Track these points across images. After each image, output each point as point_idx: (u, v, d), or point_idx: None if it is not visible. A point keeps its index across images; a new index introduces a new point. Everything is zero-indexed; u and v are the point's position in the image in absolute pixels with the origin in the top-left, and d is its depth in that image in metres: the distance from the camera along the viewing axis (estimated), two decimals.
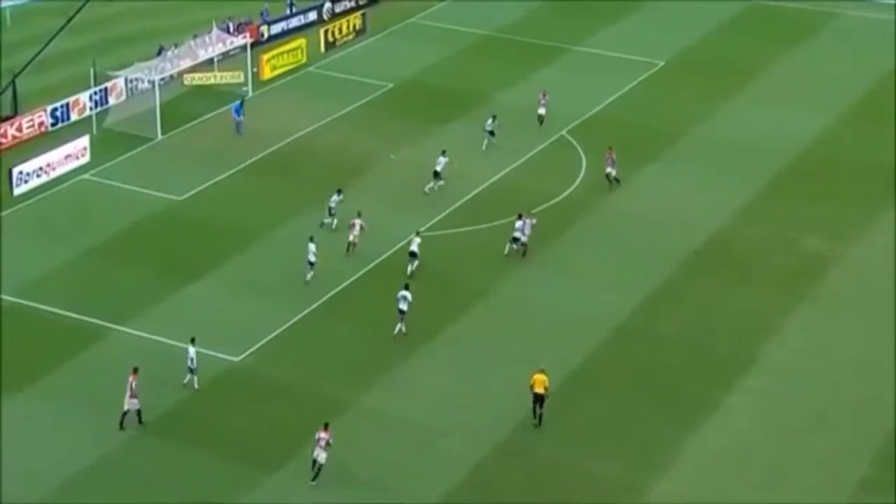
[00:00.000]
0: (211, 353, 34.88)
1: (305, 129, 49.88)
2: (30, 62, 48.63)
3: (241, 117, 49.26)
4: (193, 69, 52.52)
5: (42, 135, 48.57)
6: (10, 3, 60.13)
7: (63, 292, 38.65)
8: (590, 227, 42.94)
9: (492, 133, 47.35)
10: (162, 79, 50.48)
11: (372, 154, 47.54)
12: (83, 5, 46.37)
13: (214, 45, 53.34)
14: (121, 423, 32.50)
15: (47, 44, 48.32)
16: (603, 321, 37.45)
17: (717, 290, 39.30)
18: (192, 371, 33.96)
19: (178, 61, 51.99)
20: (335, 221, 41.72)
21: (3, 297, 38.24)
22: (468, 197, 44.60)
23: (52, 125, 49.29)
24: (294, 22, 59.85)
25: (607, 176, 44.84)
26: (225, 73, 52.87)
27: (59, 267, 40.21)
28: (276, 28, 58.91)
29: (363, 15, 59.96)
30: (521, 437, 32.67)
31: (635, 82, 54.41)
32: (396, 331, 36.29)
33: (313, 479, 30.76)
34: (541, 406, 32.71)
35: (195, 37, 53.70)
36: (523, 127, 48.94)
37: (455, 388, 34.58)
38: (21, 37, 55.39)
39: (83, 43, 54.64)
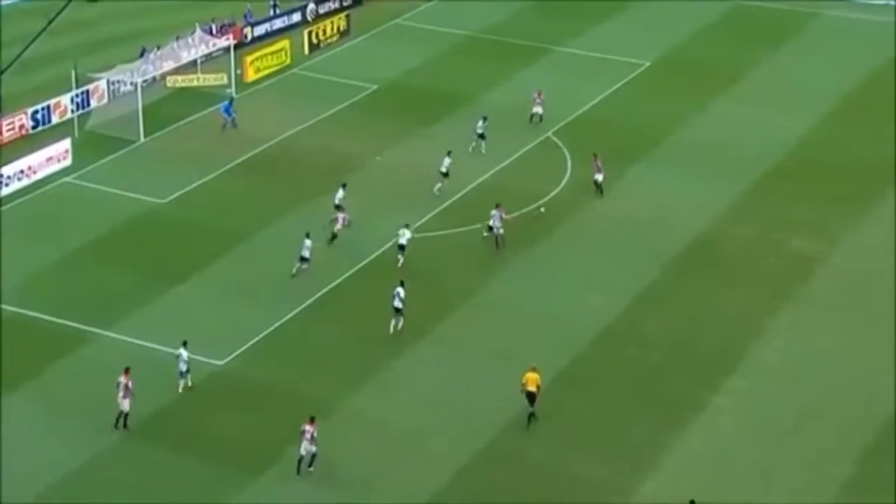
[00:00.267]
0: (195, 356, 34.68)
1: (290, 131, 49.70)
2: (10, 64, 48.21)
3: (232, 115, 49.17)
4: (176, 71, 52.34)
5: (23, 137, 48.22)
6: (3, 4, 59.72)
7: (45, 297, 38.40)
8: (576, 229, 42.90)
9: (482, 136, 47.24)
10: (144, 81, 50.25)
11: (357, 155, 47.38)
12: (65, 6, 46.01)
13: (197, 46, 53.09)
14: (124, 424, 32.28)
15: (28, 45, 47.85)
16: (589, 322, 37.44)
17: (702, 291, 39.31)
18: (182, 375, 33.86)
19: (160, 63, 51.74)
20: (346, 217, 41.83)
21: None
22: (455, 198, 44.48)
23: (33, 128, 48.96)
24: (278, 23, 59.63)
25: (595, 182, 44.71)
26: (208, 76, 52.67)
27: (41, 271, 39.93)
28: (260, 30, 58.68)
29: (347, 16, 59.80)
30: (507, 438, 32.64)
31: (620, 83, 54.39)
32: (392, 328, 36.27)
33: (297, 471, 30.78)
34: (533, 404, 32.79)
35: (178, 38, 53.46)
36: (509, 128, 48.83)
37: (442, 389, 34.52)
38: (1, 38, 54.98)
39: (65, 45, 54.28)
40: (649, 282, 39.65)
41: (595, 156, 45.03)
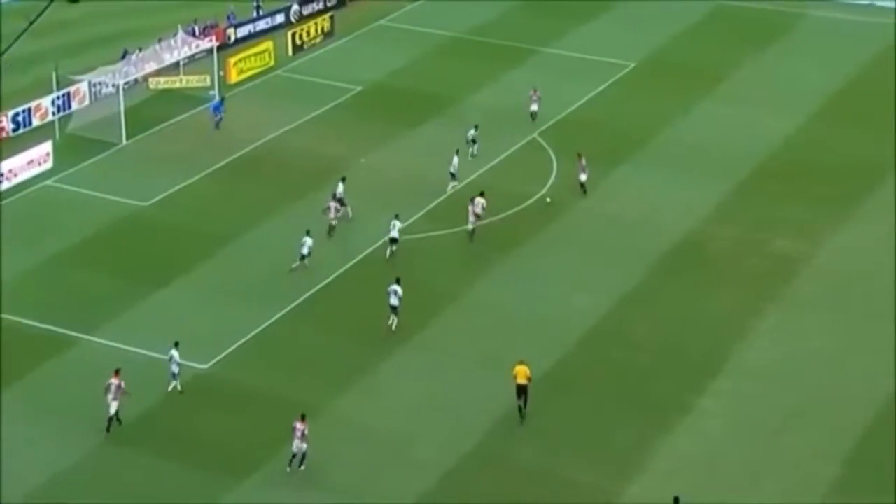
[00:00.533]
0: (172, 363, 34.30)
1: (273, 133, 49.45)
2: None
3: (221, 114, 49.07)
4: (158, 73, 52.03)
5: (2, 140, 47.80)
6: None
7: (27, 302, 38.06)
8: (561, 230, 42.80)
9: (474, 141, 47.08)
10: (126, 83, 49.95)
11: (341, 157, 47.14)
12: (46, 7, 45.65)
13: (180, 48, 52.80)
14: (117, 420, 32.22)
15: (9, 47, 47.47)
16: (575, 324, 37.35)
17: (688, 292, 39.25)
18: (175, 376, 33.73)
19: (142, 65, 51.43)
20: (349, 211, 42.17)
21: None
22: (440, 200, 44.29)
23: (14, 130, 48.55)
24: (261, 25, 59.32)
25: (581, 183, 44.56)
26: (191, 77, 52.38)
27: (22, 276, 39.59)
28: (243, 31, 58.38)
29: (331, 17, 59.53)
30: (494, 441, 32.54)
31: (606, 84, 54.30)
32: (390, 324, 36.28)
33: (289, 466, 30.90)
34: (524, 397, 32.85)
35: (160, 40, 53.13)
36: (494, 129, 48.64)
37: (427, 392, 34.41)
38: None
39: (45, 46, 53.90)
40: (635, 283, 39.59)
41: (579, 156, 44.94)
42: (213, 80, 52.39)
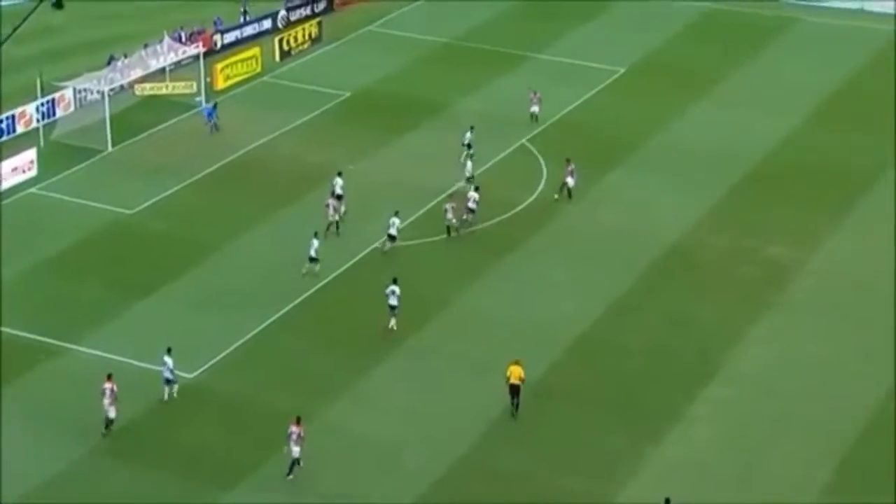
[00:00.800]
0: (163, 369, 34.02)
1: (260, 140, 49.16)
2: None
3: (214, 120, 48.85)
4: (144, 79, 51.72)
5: None
6: None
7: (10, 310, 37.67)
8: (551, 237, 42.60)
9: (468, 146, 46.90)
10: (112, 89, 49.57)
11: (329, 164, 46.77)
12: (30, 13, 45.25)
13: (166, 54, 52.46)
14: (108, 427, 32.13)
15: None
16: (565, 331, 37.17)
17: (679, 299, 39.07)
18: (168, 382, 33.54)
19: (128, 71, 51.07)
20: (342, 208, 42.16)
21: None
22: (430, 206, 44.02)
23: None
24: (248, 30, 59.02)
25: (568, 188, 44.38)
26: (177, 84, 52.07)
27: (7, 284, 39.19)
28: (230, 37, 58.06)
29: (319, 23, 59.29)
30: (484, 449, 32.42)
31: (596, 90, 54.13)
32: (390, 325, 36.38)
33: (288, 474, 30.77)
34: (517, 397, 32.88)
35: (146, 46, 52.78)
36: (484, 135, 48.34)
37: (417, 400, 34.23)
38: None
39: (30, 52, 53.63)
40: (626, 289, 39.40)
41: (568, 160, 44.70)
42: (199, 87, 52.06)
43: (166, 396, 33.64)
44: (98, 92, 49.46)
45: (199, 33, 56.68)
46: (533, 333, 36.87)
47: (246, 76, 54.43)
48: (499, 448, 32.31)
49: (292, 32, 57.82)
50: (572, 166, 44.53)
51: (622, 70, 56.14)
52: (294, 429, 30.76)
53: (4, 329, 36.75)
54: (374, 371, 35.26)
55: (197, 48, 53.90)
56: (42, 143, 47.88)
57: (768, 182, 46.56)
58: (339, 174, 43.20)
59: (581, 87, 54.14)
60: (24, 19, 45.81)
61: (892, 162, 47.73)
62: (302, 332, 37.08)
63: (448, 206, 41.71)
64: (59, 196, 44.89)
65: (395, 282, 36.63)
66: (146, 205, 44.13)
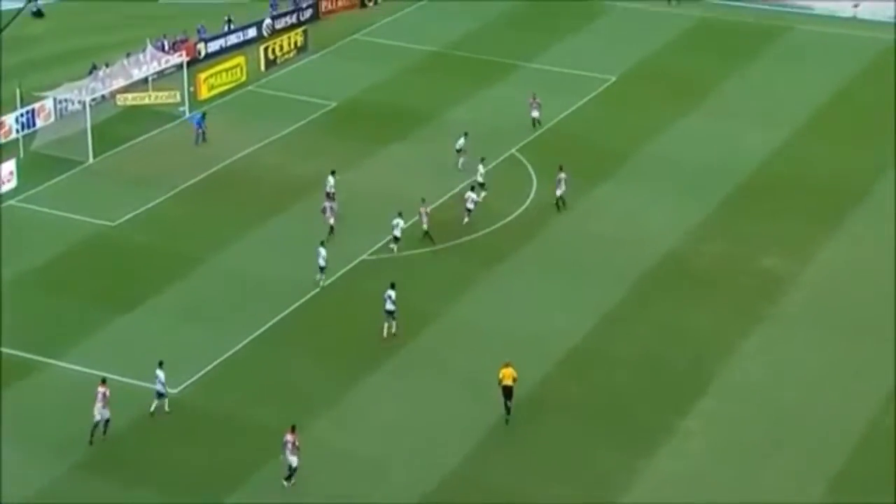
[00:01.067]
0: (148, 384, 33.68)
1: (245, 151, 48.64)
2: None
3: (203, 129, 48.44)
4: (127, 89, 51.11)
5: None
6: None
7: None
8: (542, 248, 42.21)
9: (460, 151, 46.44)
10: (93, 99, 49.04)
11: (315, 175, 46.18)
12: (10, 22, 44.61)
13: (149, 63, 51.84)
14: (91, 435, 31.83)
15: None
16: (556, 343, 36.77)
17: (672, 311, 38.67)
18: (160, 396, 33.15)
19: (110, 81, 50.43)
20: (335, 206, 42.05)
21: None
22: (417, 217, 43.38)
23: None
24: (232, 39, 58.42)
25: (560, 196, 43.93)
26: (160, 93, 51.46)
27: None
28: (214, 46, 57.44)
29: (304, 32, 58.79)
30: (474, 462, 32.03)
31: (586, 99, 53.73)
32: (385, 331, 36.11)
33: (286, 479, 30.54)
34: (510, 399, 32.69)
35: (128, 55, 52.11)
36: (473, 145, 47.78)
37: (405, 414, 33.82)
38: None
39: (9, 62, 52.92)
40: (617, 301, 39.02)
41: (560, 168, 44.20)
42: (182, 97, 51.40)
43: (153, 408, 33.09)
44: (79, 102, 48.95)
45: (183, 42, 56.04)
46: (524, 345, 36.37)
47: (230, 86, 53.89)
48: (490, 461, 31.95)
49: (278, 41, 57.28)
50: (563, 175, 44.04)
51: (613, 78, 55.75)
52: (289, 437, 30.60)
53: None
54: (364, 384, 34.81)
55: (180, 57, 53.26)
56: (22, 154, 47.33)
57: (761, 193, 46.19)
58: (333, 173, 42.99)
59: (572, 95, 53.75)
60: (3, 29, 45.19)
61: (885, 173, 47.42)
62: (288, 344, 36.61)
63: (422, 209, 41.57)
64: (39, 208, 44.31)
65: (392, 287, 36.38)
66: (129, 217, 43.57)
